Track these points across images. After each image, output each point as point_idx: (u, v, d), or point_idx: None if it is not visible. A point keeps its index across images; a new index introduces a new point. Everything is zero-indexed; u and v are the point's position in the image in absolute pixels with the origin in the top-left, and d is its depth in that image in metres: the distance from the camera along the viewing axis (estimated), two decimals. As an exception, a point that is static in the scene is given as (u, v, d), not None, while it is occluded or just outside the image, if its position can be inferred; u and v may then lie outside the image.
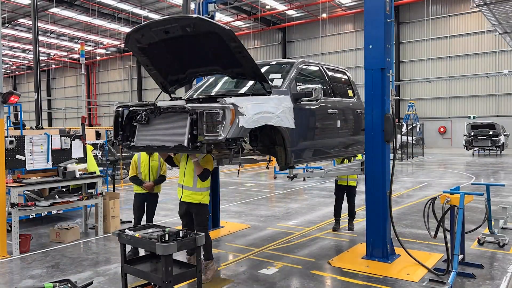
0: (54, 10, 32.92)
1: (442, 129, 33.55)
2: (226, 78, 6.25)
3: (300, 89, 5.50)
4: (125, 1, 32.31)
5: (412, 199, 10.81)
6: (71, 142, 8.21)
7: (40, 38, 33.36)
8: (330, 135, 6.30)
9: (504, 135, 25.67)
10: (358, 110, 6.95)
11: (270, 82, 5.39)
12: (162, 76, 5.69)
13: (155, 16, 35.47)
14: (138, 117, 4.94)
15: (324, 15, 33.62)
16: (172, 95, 5.93)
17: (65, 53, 47.77)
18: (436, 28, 32.50)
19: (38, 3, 24.93)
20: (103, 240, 7.42)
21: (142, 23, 5.10)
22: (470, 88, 31.99)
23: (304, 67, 6.17)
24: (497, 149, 25.92)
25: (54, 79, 56.26)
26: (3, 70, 48.08)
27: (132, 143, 5.06)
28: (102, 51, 47.45)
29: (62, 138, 8.15)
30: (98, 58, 49.26)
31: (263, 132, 5.17)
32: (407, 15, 33.44)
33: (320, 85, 5.42)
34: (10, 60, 51.40)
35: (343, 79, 7.23)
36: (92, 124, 47.92)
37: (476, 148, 26.34)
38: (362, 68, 6.01)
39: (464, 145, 26.38)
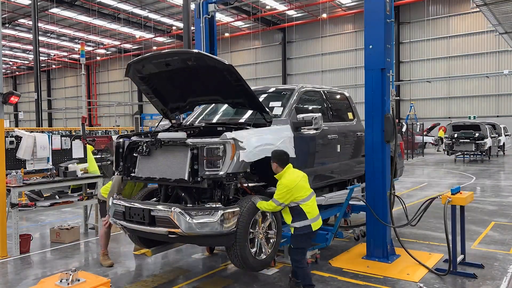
0: (55, 10, 32.89)
1: (442, 129, 33.52)
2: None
3: (301, 117, 5.43)
4: (125, 1, 32.28)
5: (412, 199, 10.80)
6: (71, 142, 8.20)
7: (40, 38, 33.28)
8: (330, 160, 6.25)
9: (505, 135, 25.13)
10: (359, 133, 6.91)
11: (270, 112, 5.40)
12: (162, 103, 5.72)
13: (155, 16, 35.50)
14: (139, 149, 4.97)
15: (324, 15, 33.59)
16: (173, 121, 6.00)
17: (65, 54, 47.75)
18: (436, 28, 32.48)
19: (38, 3, 24.95)
20: (103, 240, 7.40)
21: (143, 55, 5.06)
22: (470, 88, 31.96)
23: (304, 93, 6.11)
24: (482, 154, 21.83)
25: (54, 79, 56.24)
26: (3, 71, 47.95)
27: (133, 174, 5.08)
28: (102, 51, 47.43)
29: (62, 138, 8.15)
30: (98, 58, 49.23)
31: (263, 163, 5.06)
32: (407, 15, 33.42)
33: (320, 114, 5.34)
34: (10, 61, 51.38)
35: (343, 102, 7.19)
36: (92, 124, 47.84)
37: (459, 153, 22.34)
38: (362, 68, 6.01)
39: (443, 149, 22.88)
